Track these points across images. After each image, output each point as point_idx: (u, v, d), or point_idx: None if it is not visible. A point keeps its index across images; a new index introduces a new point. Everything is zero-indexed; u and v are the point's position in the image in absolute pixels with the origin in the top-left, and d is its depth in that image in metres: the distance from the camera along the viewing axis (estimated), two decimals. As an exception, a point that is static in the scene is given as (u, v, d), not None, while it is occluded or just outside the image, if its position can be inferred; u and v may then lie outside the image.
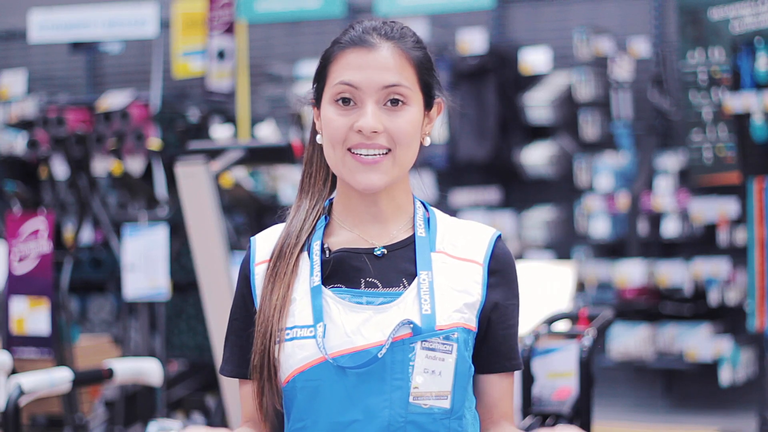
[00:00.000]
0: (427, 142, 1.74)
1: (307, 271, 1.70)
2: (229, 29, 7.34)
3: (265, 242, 1.76)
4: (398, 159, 1.68)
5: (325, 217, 1.76)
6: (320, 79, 1.72)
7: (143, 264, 5.27)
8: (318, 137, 1.75)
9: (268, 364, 1.66)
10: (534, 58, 7.12)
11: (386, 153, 1.67)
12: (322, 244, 1.73)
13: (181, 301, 6.03)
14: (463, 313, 1.68)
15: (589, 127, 7.04)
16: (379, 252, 1.71)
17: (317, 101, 1.74)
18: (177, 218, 5.43)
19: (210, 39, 7.30)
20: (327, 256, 1.72)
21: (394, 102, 1.67)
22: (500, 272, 1.73)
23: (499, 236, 1.76)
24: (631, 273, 6.76)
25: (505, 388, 1.75)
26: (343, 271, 1.70)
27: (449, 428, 1.67)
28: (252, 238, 1.78)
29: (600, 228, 6.95)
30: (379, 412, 1.64)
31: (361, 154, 1.67)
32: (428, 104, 1.73)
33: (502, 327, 1.73)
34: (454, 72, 7.16)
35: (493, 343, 1.72)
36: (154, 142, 6.40)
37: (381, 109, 1.66)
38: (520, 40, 7.38)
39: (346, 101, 1.67)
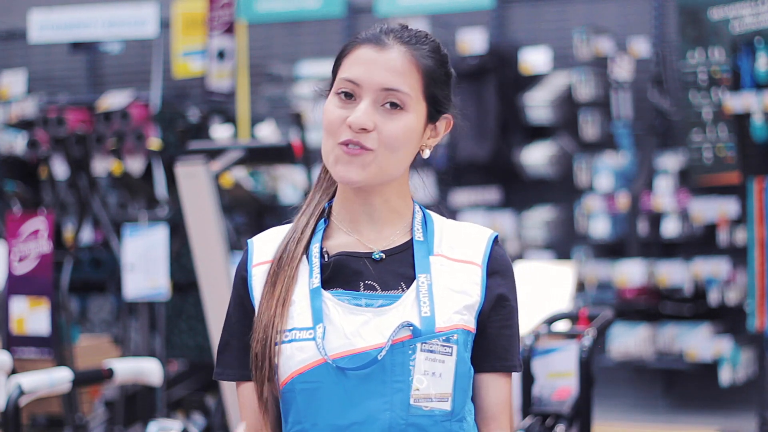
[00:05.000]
0: (426, 154, 1.73)
1: (306, 275, 1.69)
2: (229, 29, 7.34)
3: (263, 244, 1.75)
4: (379, 160, 1.65)
5: (325, 221, 1.75)
6: (334, 71, 1.72)
7: (143, 264, 5.27)
8: None
9: (265, 367, 1.66)
10: (534, 58, 7.12)
11: (369, 150, 1.65)
12: (321, 248, 1.72)
13: (181, 301, 6.03)
14: (463, 315, 1.67)
15: (589, 127, 7.04)
16: (377, 256, 1.70)
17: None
18: (177, 218, 5.43)
19: (210, 39, 7.30)
20: (326, 259, 1.71)
21: (393, 105, 1.65)
22: (498, 273, 1.72)
23: (497, 237, 1.75)
24: (631, 273, 6.76)
25: (497, 390, 1.73)
26: (343, 274, 1.69)
27: (450, 431, 1.66)
28: (249, 241, 1.77)
29: (600, 228, 6.95)
30: (379, 414, 1.63)
31: (348, 145, 1.65)
32: (432, 116, 1.71)
33: (498, 326, 1.71)
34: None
35: (487, 342, 1.71)
36: (154, 142, 6.40)
37: (377, 109, 1.65)
38: (520, 40, 7.38)
39: (348, 95, 1.66)
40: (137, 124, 6.71)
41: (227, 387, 3.93)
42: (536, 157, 7.11)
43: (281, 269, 1.70)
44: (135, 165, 6.47)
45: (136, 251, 5.27)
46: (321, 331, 1.64)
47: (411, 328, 1.64)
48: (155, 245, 5.26)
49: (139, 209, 5.79)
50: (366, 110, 1.64)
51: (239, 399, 1.75)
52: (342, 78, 1.67)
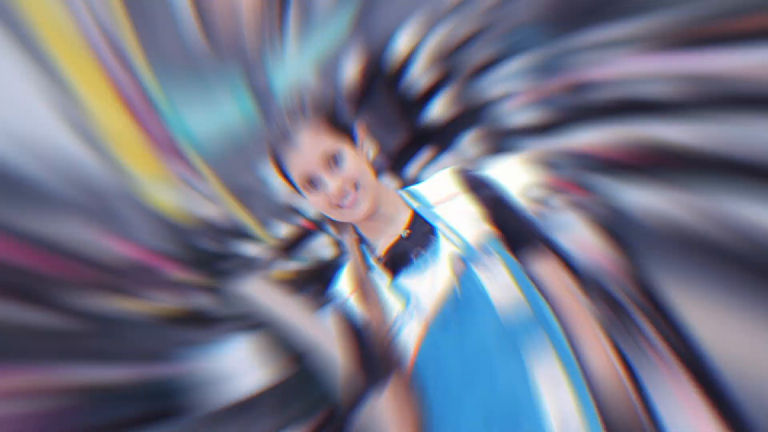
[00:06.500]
0: (370, 155, 2.12)
1: (380, 280, 2.14)
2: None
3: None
4: (366, 188, 2.09)
5: (361, 241, 2.18)
6: (282, 173, 2.11)
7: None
8: None
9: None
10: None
11: (358, 190, 2.08)
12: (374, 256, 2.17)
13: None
14: (481, 227, 2.10)
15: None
16: (404, 234, 2.15)
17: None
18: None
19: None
20: (383, 260, 2.15)
21: (334, 159, 2.06)
22: (478, 189, 2.14)
23: (458, 168, 2.16)
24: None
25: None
26: (398, 260, 2.13)
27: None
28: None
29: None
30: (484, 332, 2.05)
31: (342, 206, 2.08)
32: (354, 137, 2.10)
33: (511, 215, 2.14)
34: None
35: (509, 227, 2.12)
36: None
37: (332, 169, 2.06)
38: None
39: (312, 183, 2.07)
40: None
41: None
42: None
43: (361, 293, 2.14)
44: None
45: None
46: (413, 309, 2.08)
47: (460, 259, 2.06)
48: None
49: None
50: (330, 180, 2.06)
51: None
52: (297, 180, 2.08)
